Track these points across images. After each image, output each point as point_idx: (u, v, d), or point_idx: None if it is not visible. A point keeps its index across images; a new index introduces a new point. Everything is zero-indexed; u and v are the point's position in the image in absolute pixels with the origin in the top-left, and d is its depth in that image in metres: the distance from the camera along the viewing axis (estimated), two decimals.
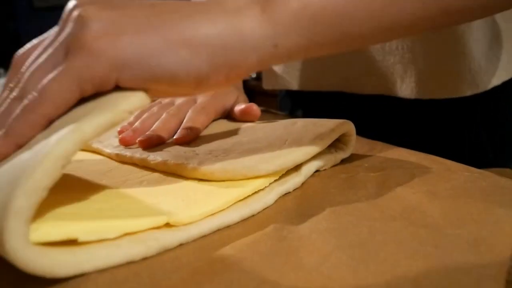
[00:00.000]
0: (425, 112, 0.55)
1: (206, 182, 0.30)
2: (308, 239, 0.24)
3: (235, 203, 0.28)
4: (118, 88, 0.24)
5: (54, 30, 0.26)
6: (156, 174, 0.33)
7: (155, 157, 0.34)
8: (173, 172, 0.32)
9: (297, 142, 0.33)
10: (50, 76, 0.23)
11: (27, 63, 0.26)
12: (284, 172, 0.31)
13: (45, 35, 0.28)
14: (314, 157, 0.33)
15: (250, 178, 0.30)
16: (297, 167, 0.32)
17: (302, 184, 0.32)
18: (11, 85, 0.27)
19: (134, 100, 0.23)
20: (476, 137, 0.55)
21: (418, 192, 0.28)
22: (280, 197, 0.30)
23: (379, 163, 0.34)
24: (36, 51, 0.26)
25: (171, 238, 0.23)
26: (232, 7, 0.26)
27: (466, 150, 0.55)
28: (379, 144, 0.40)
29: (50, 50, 0.25)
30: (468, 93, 0.52)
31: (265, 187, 0.30)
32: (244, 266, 0.21)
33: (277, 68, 0.64)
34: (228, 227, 0.26)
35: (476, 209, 0.26)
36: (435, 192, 0.28)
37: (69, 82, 0.23)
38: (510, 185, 0.29)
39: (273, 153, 0.32)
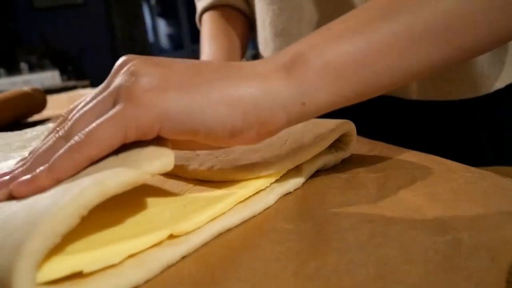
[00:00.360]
0: (426, 113, 0.55)
1: (207, 184, 0.30)
2: (308, 241, 0.24)
3: (235, 204, 0.28)
4: (153, 140, 0.26)
5: (101, 86, 0.28)
6: (157, 176, 0.32)
7: None
8: (174, 174, 0.32)
9: (298, 142, 0.33)
10: (98, 121, 0.25)
11: (75, 110, 0.28)
12: (284, 172, 0.31)
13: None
14: (314, 157, 0.33)
15: (251, 179, 0.29)
16: (298, 167, 0.32)
17: (303, 184, 0.32)
18: (57, 128, 0.28)
19: (158, 165, 0.24)
20: (476, 137, 0.54)
21: (418, 195, 0.28)
22: (281, 197, 0.30)
23: (379, 163, 0.34)
24: (84, 102, 0.28)
25: (172, 254, 0.23)
26: (262, 70, 0.28)
27: (466, 150, 0.55)
28: (379, 145, 0.39)
29: (99, 98, 0.26)
30: (469, 95, 0.51)
31: (266, 187, 0.30)
32: (243, 275, 0.21)
33: None
34: (229, 229, 0.26)
35: (476, 213, 0.25)
36: (435, 194, 0.28)
37: (116, 128, 0.24)
38: (510, 186, 0.28)
39: (274, 154, 0.32)
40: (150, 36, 4.17)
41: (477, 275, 0.20)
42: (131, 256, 0.22)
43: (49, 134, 0.29)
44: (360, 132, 0.38)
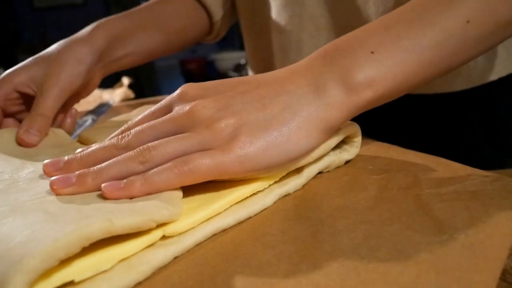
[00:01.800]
0: (422, 108, 0.55)
1: (203, 183, 0.30)
2: (302, 243, 0.24)
3: (232, 205, 0.28)
4: None
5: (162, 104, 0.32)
6: None
7: None
8: None
9: None
10: (197, 155, 0.27)
11: (148, 131, 0.30)
12: (284, 174, 0.31)
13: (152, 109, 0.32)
14: (316, 159, 0.33)
15: (250, 180, 0.29)
16: (298, 169, 0.32)
17: (303, 185, 0.32)
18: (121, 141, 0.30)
19: (165, 215, 0.24)
20: (474, 135, 0.54)
21: (419, 195, 0.28)
22: (279, 198, 0.30)
23: (383, 165, 0.34)
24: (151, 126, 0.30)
25: (164, 255, 0.23)
26: (323, 100, 0.30)
27: (464, 148, 0.54)
28: (385, 146, 0.39)
29: (186, 141, 0.29)
30: (464, 87, 0.51)
31: (264, 188, 0.30)
32: (234, 284, 0.21)
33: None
34: (223, 230, 0.26)
35: (476, 212, 0.25)
36: (437, 195, 0.28)
37: (210, 168, 0.27)
38: None
39: None
40: None
41: (468, 276, 0.19)
42: (123, 260, 0.22)
43: (106, 144, 0.30)
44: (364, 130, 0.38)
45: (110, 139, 0.31)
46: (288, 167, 0.30)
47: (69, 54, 0.48)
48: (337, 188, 0.31)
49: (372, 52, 0.30)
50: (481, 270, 0.20)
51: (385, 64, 0.30)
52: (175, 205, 0.25)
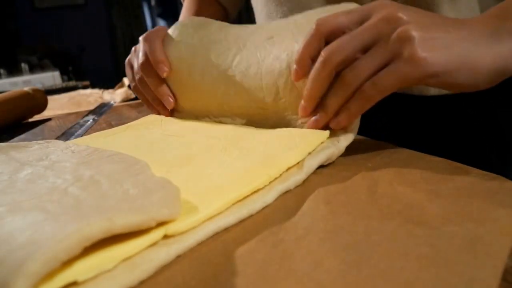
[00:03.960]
0: (426, 111, 0.55)
1: (204, 181, 0.30)
2: (304, 241, 0.24)
3: (233, 204, 0.28)
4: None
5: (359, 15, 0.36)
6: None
7: None
8: None
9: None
10: (384, 73, 0.33)
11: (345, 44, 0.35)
12: (285, 170, 0.31)
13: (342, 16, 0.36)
14: (315, 152, 0.33)
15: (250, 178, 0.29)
16: (299, 164, 0.32)
17: (304, 181, 0.32)
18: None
19: (165, 214, 0.24)
20: (477, 138, 0.54)
21: (419, 191, 0.28)
22: (280, 195, 0.30)
23: (384, 163, 0.34)
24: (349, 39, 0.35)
25: (166, 254, 0.23)
26: (500, 47, 0.33)
27: (468, 151, 0.54)
28: (386, 146, 0.39)
29: (375, 52, 0.33)
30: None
31: (265, 186, 0.30)
32: (236, 283, 0.21)
33: None
34: (225, 229, 0.26)
35: (476, 208, 0.25)
36: (436, 191, 0.28)
37: (397, 84, 0.33)
38: None
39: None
40: None
41: (470, 270, 0.20)
42: (125, 259, 0.22)
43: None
44: (364, 130, 0.38)
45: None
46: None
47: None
48: (337, 184, 0.31)
49: None
50: (483, 266, 0.20)
51: None
52: (174, 204, 0.25)
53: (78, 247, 0.20)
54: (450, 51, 0.32)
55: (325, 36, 0.36)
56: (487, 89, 0.52)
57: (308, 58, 0.37)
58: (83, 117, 0.68)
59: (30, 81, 2.91)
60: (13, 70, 3.21)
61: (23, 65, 3.25)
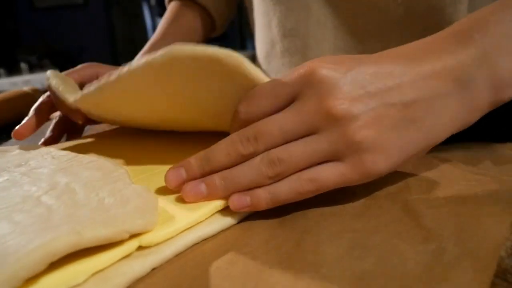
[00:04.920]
0: None
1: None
2: (285, 254, 0.23)
3: (213, 214, 0.27)
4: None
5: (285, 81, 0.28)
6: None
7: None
8: None
9: None
10: (324, 168, 0.27)
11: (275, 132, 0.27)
12: None
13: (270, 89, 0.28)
14: None
15: None
16: None
17: None
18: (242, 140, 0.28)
19: (140, 225, 0.23)
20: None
21: (407, 202, 0.27)
22: None
23: None
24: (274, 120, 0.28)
25: (140, 267, 0.22)
26: (468, 98, 0.27)
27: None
28: None
29: (315, 143, 0.27)
30: None
31: None
32: None
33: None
34: (205, 239, 0.25)
35: (465, 219, 0.24)
36: (425, 201, 0.27)
37: (337, 184, 0.27)
38: (505, 196, 0.27)
39: None
40: (150, 36, 4.16)
41: None
42: (97, 272, 0.21)
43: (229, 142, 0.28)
44: None
45: (233, 140, 0.28)
46: None
47: None
48: (324, 194, 0.29)
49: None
50: (470, 282, 0.19)
51: None
52: (151, 214, 0.24)
53: (43, 263, 0.19)
54: (405, 145, 0.27)
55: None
56: None
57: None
58: None
59: (30, 81, 2.90)
60: (13, 70, 3.21)
61: (22, 65, 3.25)
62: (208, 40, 0.76)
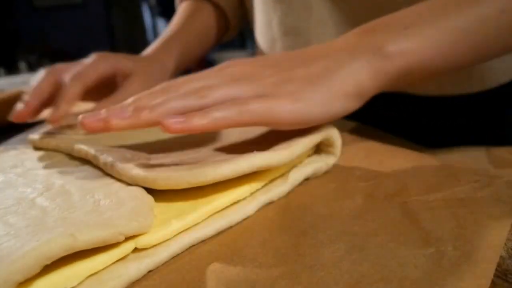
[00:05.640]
0: (433, 111, 0.54)
1: (181, 192, 0.29)
2: (283, 257, 0.23)
3: (211, 215, 0.26)
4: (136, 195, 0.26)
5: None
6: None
7: (106, 157, 0.31)
8: (118, 177, 0.29)
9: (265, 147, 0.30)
10: (254, 102, 0.29)
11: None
12: (267, 181, 0.30)
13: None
14: (302, 164, 0.32)
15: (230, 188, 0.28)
16: (283, 176, 0.31)
17: (288, 193, 0.30)
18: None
19: (135, 227, 0.23)
20: (484, 139, 0.53)
21: (406, 203, 0.27)
22: (263, 206, 0.29)
23: (372, 171, 0.33)
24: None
25: (136, 270, 0.22)
26: (357, 66, 0.32)
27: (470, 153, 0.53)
28: (376, 148, 0.38)
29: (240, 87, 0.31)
30: (476, 89, 0.50)
31: (246, 196, 0.28)
32: None
33: None
34: (202, 241, 0.25)
35: (464, 222, 0.24)
36: (424, 202, 0.27)
37: (264, 117, 0.29)
38: (505, 198, 0.27)
39: (227, 158, 0.28)
40: (150, 36, 4.16)
41: None
42: (91, 275, 0.21)
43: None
44: (365, 129, 0.37)
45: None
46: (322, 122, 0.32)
47: (157, 70, 0.56)
48: (323, 196, 0.29)
49: (406, 28, 0.32)
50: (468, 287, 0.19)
51: (417, 39, 0.32)
52: (146, 216, 0.24)
53: (36, 266, 0.19)
54: (323, 95, 0.31)
55: None
56: (489, 89, 0.51)
57: None
58: None
59: (29, 81, 2.90)
60: (12, 70, 3.20)
61: (22, 64, 3.25)
62: None
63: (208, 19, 0.70)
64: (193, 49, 0.67)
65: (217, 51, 3.99)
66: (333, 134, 0.33)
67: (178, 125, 0.26)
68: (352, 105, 0.32)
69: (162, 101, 0.28)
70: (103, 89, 0.49)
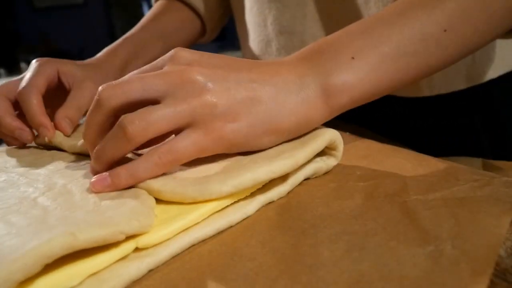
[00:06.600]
0: (422, 111, 0.54)
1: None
2: (282, 256, 0.23)
3: (211, 215, 0.26)
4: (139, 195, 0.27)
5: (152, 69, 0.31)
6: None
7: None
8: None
9: (267, 158, 0.30)
10: (180, 140, 0.28)
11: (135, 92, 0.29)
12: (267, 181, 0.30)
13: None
14: (302, 166, 0.32)
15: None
16: (284, 177, 0.31)
17: (288, 192, 0.31)
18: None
19: (135, 226, 0.23)
20: (475, 136, 0.53)
21: (405, 203, 0.27)
22: (262, 206, 0.29)
23: (372, 170, 0.33)
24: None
25: (136, 270, 0.22)
26: (304, 98, 0.31)
27: (465, 149, 0.53)
28: (375, 148, 0.38)
29: (170, 108, 0.28)
30: (463, 86, 0.51)
31: (246, 196, 0.29)
32: None
33: None
34: (202, 241, 0.25)
35: (463, 220, 0.24)
36: (423, 202, 0.27)
37: (194, 151, 0.28)
38: (504, 197, 0.27)
39: (232, 172, 0.28)
40: None
41: None
42: (92, 274, 0.21)
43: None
44: (353, 131, 0.37)
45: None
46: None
47: (108, 64, 0.55)
48: (322, 196, 0.29)
49: (353, 58, 0.31)
50: (467, 286, 0.19)
51: (363, 71, 0.31)
52: (147, 215, 0.24)
53: (37, 265, 0.19)
54: (253, 120, 0.30)
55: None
56: (481, 89, 0.52)
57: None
58: (82, 117, 0.67)
59: None
60: (13, 70, 3.20)
61: (22, 64, 3.25)
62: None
63: (177, 20, 0.68)
64: (151, 49, 0.64)
65: (216, 52, 3.99)
66: (337, 139, 0.33)
67: (106, 189, 0.27)
68: (296, 135, 0.32)
69: (101, 148, 0.28)
70: (51, 94, 0.48)
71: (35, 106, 0.42)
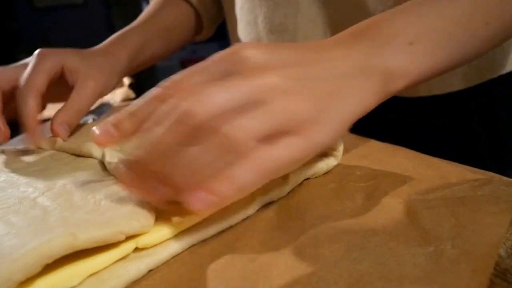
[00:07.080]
0: (420, 111, 0.54)
1: None
2: (282, 256, 0.23)
3: (211, 214, 0.26)
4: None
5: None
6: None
7: (111, 157, 0.31)
8: None
9: None
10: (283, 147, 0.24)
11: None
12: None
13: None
14: (302, 166, 0.32)
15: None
16: (284, 176, 0.31)
17: (288, 193, 0.30)
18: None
19: (135, 227, 0.23)
20: (473, 137, 0.53)
21: (406, 203, 0.27)
22: (263, 206, 0.29)
23: (372, 170, 0.33)
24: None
25: (136, 270, 0.22)
26: (368, 88, 0.29)
27: (462, 150, 0.53)
28: (375, 148, 0.38)
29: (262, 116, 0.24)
30: (461, 86, 0.50)
31: (246, 196, 0.28)
32: None
33: None
34: (202, 241, 0.25)
35: (463, 220, 0.24)
36: (424, 201, 0.27)
37: (292, 162, 0.25)
38: (504, 196, 0.27)
39: None
40: None
41: None
42: (92, 274, 0.21)
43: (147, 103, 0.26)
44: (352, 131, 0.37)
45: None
46: None
47: (107, 63, 0.52)
48: (323, 196, 0.29)
49: (411, 44, 0.30)
50: (467, 285, 0.19)
51: (422, 58, 0.30)
52: (147, 216, 0.24)
53: (37, 265, 0.19)
54: (338, 123, 0.27)
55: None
56: (478, 88, 0.52)
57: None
58: (83, 117, 0.66)
59: None
60: None
61: None
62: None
63: (177, 15, 0.67)
64: (154, 44, 0.63)
65: (217, 51, 3.99)
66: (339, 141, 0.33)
67: (211, 207, 0.23)
68: (350, 124, 0.29)
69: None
70: (53, 89, 0.46)
71: (31, 109, 0.41)
